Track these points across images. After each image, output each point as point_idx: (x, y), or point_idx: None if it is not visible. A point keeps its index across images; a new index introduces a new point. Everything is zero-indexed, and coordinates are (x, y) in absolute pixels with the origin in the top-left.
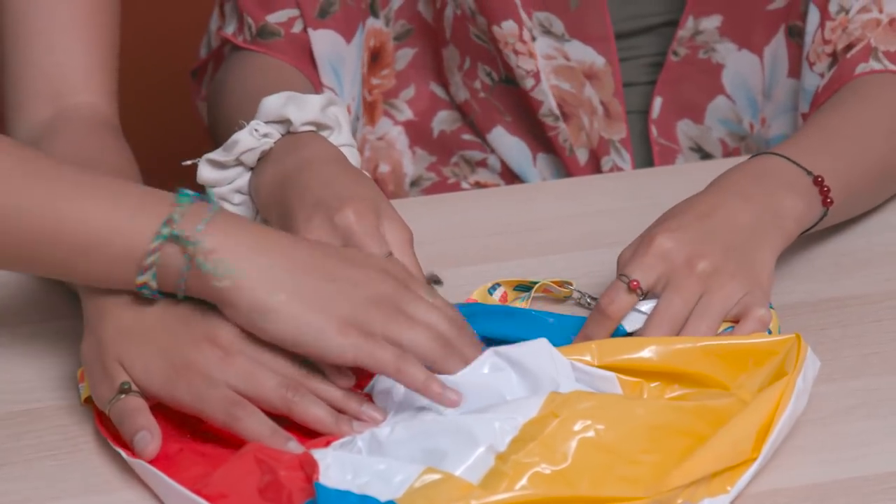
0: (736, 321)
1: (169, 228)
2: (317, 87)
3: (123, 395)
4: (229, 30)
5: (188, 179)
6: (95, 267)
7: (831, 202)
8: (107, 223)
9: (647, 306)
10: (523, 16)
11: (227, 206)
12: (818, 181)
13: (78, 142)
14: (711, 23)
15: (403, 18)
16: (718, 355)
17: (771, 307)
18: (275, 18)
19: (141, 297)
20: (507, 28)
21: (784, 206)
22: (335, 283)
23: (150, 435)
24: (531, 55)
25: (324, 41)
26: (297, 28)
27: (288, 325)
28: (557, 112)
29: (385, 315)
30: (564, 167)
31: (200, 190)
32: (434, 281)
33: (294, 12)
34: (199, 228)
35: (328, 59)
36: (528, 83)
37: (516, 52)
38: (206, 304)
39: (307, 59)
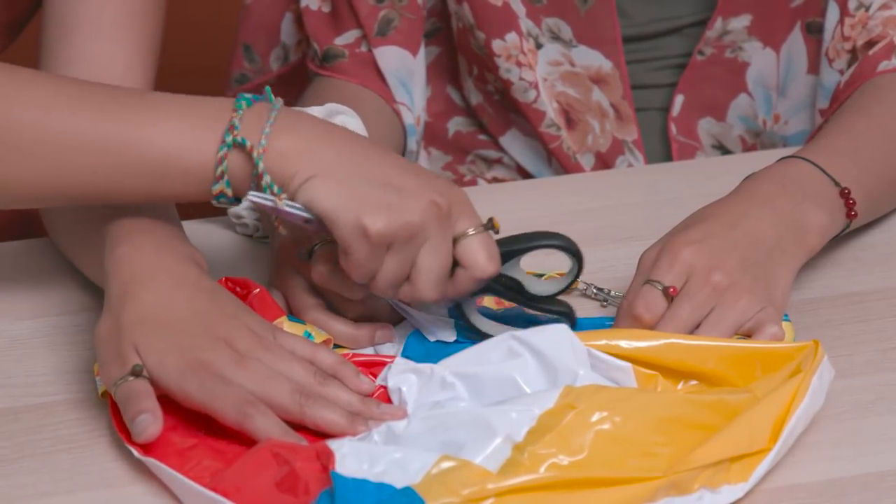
0: (748, 336)
1: (231, 136)
2: (389, 102)
3: (132, 378)
4: (310, 53)
5: None
6: (173, 186)
7: (855, 215)
8: (173, 143)
9: None
10: (525, 26)
11: (243, 217)
12: (844, 193)
13: None
14: (741, 22)
15: (435, 16)
16: (733, 360)
17: (787, 319)
18: (342, 40)
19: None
20: (510, 40)
21: (809, 220)
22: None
23: (151, 418)
24: (530, 67)
25: (389, 58)
26: (363, 47)
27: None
28: (559, 122)
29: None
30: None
31: (259, 92)
32: (489, 227)
33: (359, 33)
34: (265, 132)
35: (395, 75)
36: (530, 95)
37: (519, 64)
38: (230, 304)
39: (375, 76)
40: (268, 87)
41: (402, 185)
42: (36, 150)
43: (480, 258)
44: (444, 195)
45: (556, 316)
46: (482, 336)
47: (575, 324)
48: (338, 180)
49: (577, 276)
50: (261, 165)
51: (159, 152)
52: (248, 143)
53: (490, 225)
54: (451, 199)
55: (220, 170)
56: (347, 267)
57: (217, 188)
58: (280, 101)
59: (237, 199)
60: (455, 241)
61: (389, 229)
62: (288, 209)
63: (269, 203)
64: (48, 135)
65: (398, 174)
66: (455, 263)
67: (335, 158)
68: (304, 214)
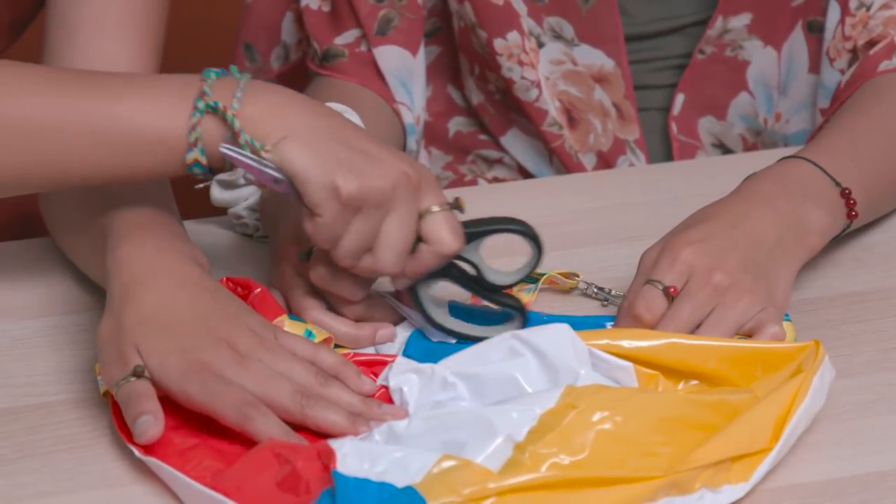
0: (749, 336)
1: (203, 102)
2: (389, 101)
3: (134, 378)
4: (309, 52)
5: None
6: (148, 159)
7: (856, 215)
8: (145, 115)
9: None
10: (527, 25)
11: (243, 217)
12: (845, 194)
13: None
14: (741, 21)
15: (436, 16)
16: (734, 360)
17: (787, 319)
18: (342, 40)
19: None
20: (512, 39)
21: (810, 221)
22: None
23: (153, 419)
24: (532, 65)
25: (389, 57)
26: (362, 47)
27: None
28: (561, 121)
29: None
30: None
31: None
32: (455, 207)
33: (359, 32)
34: (237, 96)
35: (395, 75)
36: (532, 94)
37: (521, 63)
38: (231, 305)
39: (375, 76)
40: (233, 66)
41: (374, 154)
42: (7, 136)
43: (445, 234)
44: (414, 169)
45: (506, 309)
46: (435, 326)
47: (525, 319)
48: (311, 142)
49: (537, 263)
50: (237, 124)
51: (131, 126)
52: (221, 105)
53: (456, 204)
54: (420, 174)
55: (193, 136)
56: (312, 229)
57: (191, 156)
58: (247, 75)
59: (211, 171)
60: (420, 216)
61: (361, 191)
62: (266, 168)
63: (242, 158)
64: (18, 120)
65: (370, 144)
66: (418, 240)
67: (307, 123)
68: (275, 174)
